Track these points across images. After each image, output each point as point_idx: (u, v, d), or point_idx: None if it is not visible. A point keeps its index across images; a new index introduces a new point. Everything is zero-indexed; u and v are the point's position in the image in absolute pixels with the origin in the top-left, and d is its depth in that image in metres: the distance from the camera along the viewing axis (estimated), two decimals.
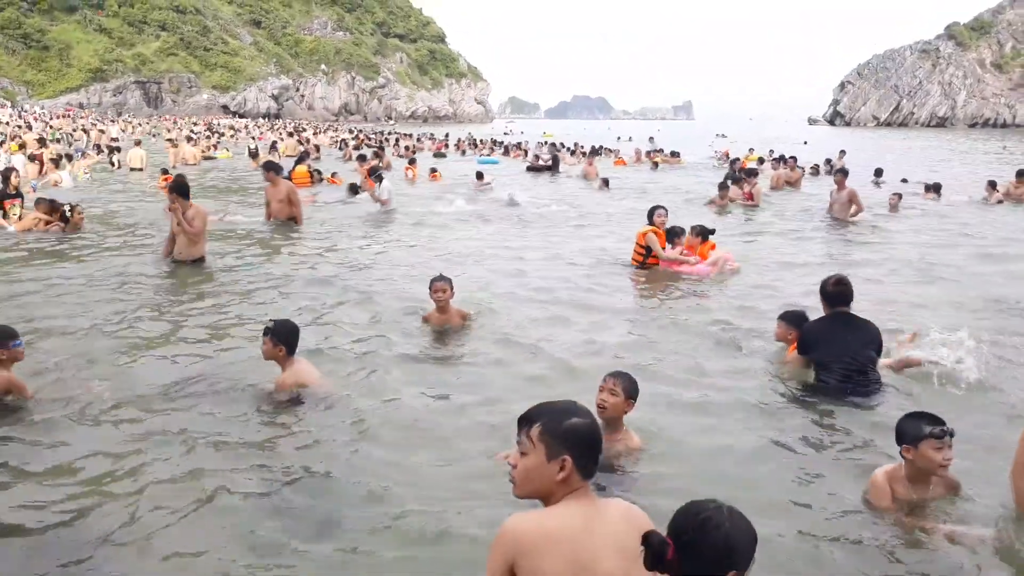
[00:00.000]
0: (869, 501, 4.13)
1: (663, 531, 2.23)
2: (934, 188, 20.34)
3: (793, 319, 6.32)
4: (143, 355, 6.36)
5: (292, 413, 5.23)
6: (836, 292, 5.93)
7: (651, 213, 10.64)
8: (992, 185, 19.62)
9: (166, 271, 9.54)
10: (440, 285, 6.96)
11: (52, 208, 12.35)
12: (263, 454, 4.63)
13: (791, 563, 3.61)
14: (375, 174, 16.24)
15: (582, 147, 38.34)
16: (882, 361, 6.07)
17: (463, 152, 40.13)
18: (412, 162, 24.61)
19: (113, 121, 66.45)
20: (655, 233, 10.27)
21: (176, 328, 7.21)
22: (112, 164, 25.38)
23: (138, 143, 29.28)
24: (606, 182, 22.03)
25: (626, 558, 2.39)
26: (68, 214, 12.31)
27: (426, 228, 13.85)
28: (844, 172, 16.69)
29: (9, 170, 13.37)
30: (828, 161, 29.74)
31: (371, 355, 6.51)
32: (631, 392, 4.42)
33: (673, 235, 10.43)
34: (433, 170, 24.56)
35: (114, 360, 6.19)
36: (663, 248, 10.23)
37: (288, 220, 13.25)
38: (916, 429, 3.95)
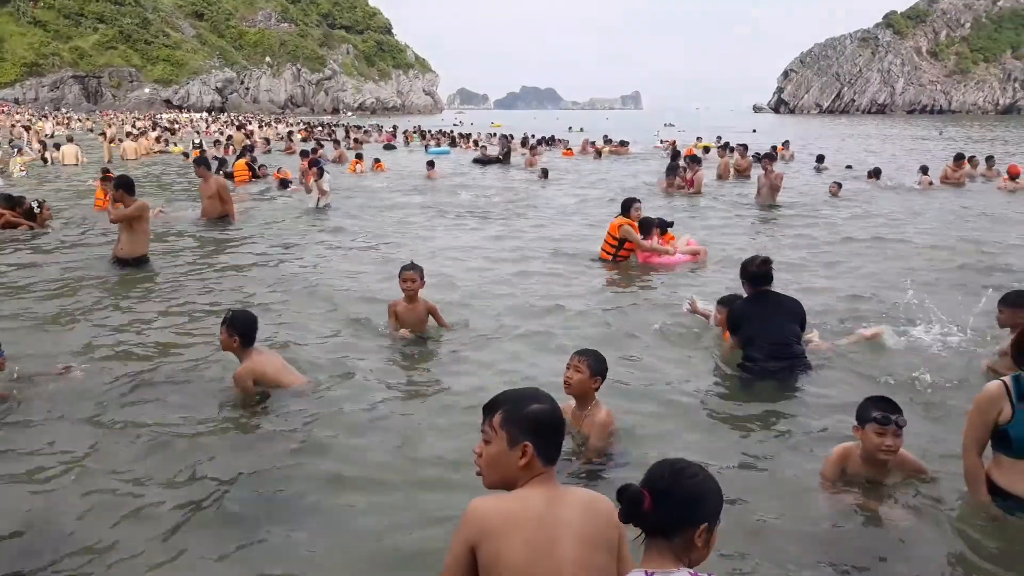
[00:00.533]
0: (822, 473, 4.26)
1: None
2: (875, 173, 20.93)
3: (730, 302, 6.49)
4: (92, 358, 6.17)
5: (246, 414, 5.12)
6: (761, 272, 6.12)
7: (627, 205, 10.40)
8: (924, 170, 20.31)
9: (110, 272, 9.26)
10: (409, 274, 6.65)
11: (12, 204, 11.81)
12: (209, 459, 4.50)
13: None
14: (316, 165, 15.84)
15: (535, 137, 38.36)
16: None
17: (408, 142, 39.85)
18: (359, 157, 24.42)
19: (45, 116, 64.46)
20: (631, 225, 10.11)
21: (124, 330, 7.02)
22: (44, 161, 24.65)
23: (70, 139, 28.51)
24: (545, 172, 22.10)
25: (586, 545, 2.40)
26: (36, 210, 11.83)
27: (377, 223, 13.68)
28: (771, 157, 16.81)
29: None
30: (773, 148, 30.24)
31: (332, 355, 6.32)
32: (596, 369, 4.47)
33: (649, 226, 10.25)
34: (377, 160, 24.56)
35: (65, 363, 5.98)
36: (640, 239, 10.08)
37: (221, 218, 12.76)
38: (865, 412, 4.04)
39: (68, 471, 4.32)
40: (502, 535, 2.37)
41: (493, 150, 30.42)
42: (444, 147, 35.73)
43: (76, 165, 24.47)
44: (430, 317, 6.92)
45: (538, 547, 2.36)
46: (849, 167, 24.44)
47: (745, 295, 6.28)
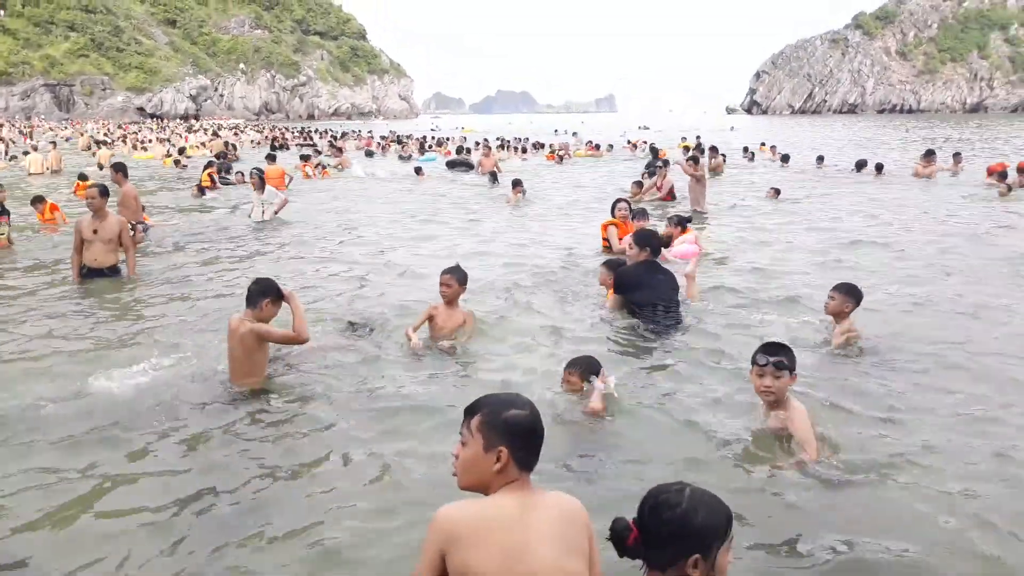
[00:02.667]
0: None
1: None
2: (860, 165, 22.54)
3: (614, 265, 7.37)
4: (88, 370, 5.89)
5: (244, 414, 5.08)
6: (659, 245, 7.14)
7: (614, 206, 10.92)
8: (878, 168, 21.67)
9: (82, 286, 9.00)
10: (444, 278, 6.47)
11: None
12: (204, 471, 4.42)
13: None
14: (258, 174, 14.57)
15: (517, 141, 38.44)
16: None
17: (383, 149, 39.78)
18: (305, 159, 24.73)
19: (13, 124, 63.62)
20: (615, 225, 10.51)
21: (113, 341, 6.88)
22: None
23: (35, 148, 28.24)
24: (494, 176, 21.56)
25: (559, 549, 2.40)
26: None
27: (368, 231, 13.37)
28: (695, 158, 15.03)
29: None
30: (746, 149, 30.54)
31: (339, 364, 6.06)
32: (587, 375, 5.04)
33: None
34: (323, 167, 24.52)
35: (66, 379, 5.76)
36: (617, 241, 10.26)
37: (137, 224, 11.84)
38: (753, 355, 4.24)
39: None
40: (472, 542, 2.36)
41: (476, 155, 30.31)
42: (431, 154, 35.38)
43: (41, 174, 24.29)
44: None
45: (511, 554, 2.35)
46: (820, 159, 25.11)
47: (630, 260, 7.11)
